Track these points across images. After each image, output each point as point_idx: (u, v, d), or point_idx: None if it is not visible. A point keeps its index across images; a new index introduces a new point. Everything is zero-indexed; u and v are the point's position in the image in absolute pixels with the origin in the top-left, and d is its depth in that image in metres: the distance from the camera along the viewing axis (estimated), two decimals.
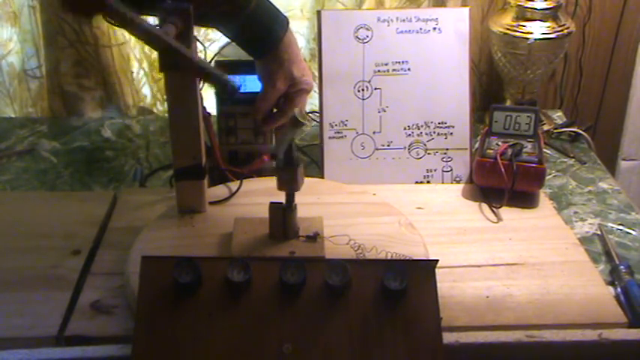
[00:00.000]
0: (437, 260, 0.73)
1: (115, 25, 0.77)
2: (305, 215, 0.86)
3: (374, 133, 1.07)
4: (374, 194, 1.00)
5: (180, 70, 0.79)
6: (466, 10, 1.07)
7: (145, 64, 1.32)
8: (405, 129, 1.07)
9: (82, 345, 0.74)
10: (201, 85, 0.88)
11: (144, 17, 0.71)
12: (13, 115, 1.32)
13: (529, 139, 1.03)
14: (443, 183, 1.07)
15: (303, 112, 1.01)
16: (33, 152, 1.18)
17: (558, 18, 1.20)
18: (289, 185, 0.80)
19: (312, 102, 1.17)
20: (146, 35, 0.72)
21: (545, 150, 1.16)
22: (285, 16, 0.94)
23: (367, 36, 1.06)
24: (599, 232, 0.98)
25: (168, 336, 0.69)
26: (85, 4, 0.72)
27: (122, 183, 1.10)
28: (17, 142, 1.21)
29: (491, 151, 1.01)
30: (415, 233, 0.90)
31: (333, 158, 1.05)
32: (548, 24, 1.19)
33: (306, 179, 0.83)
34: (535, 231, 0.95)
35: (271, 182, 0.81)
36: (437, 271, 0.72)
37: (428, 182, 1.07)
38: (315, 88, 1.04)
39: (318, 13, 1.06)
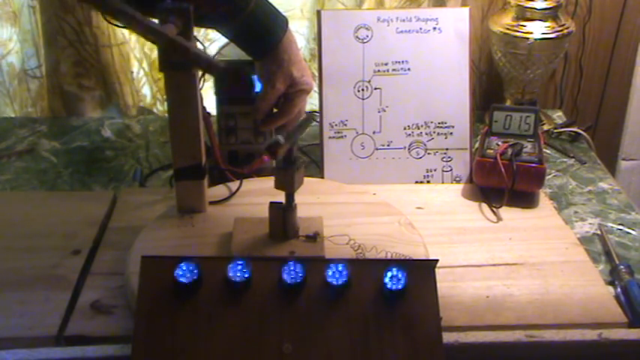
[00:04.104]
0: (437, 260, 0.73)
1: (115, 24, 0.77)
2: (305, 215, 0.86)
3: (374, 133, 1.06)
4: (374, 194, 1.00)
5: (181, 65, 0.79)
6: (466, 10, 1.07)
7: (145, 64, 1.32)
8: (405, 129, 1.07)
9: (82, 345, 0.74)
10: (201, 85, 0.88)
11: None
12: (13, 115, 1.32)
13: (529, 139, 1.03)
14: (443, 183, 1.07)
15: (303, 112, 1.02)
16: (33, 152, 1.18)
17: (558, 18, 1.20)
18: (287, 185, 0.80)
19: (312, 102, 1.16)
20: (146, 29, 0.72)
21: (545, 150, 1.16)
22: (284, 17, 0.94)
23: (367, 36, 1.06)
24: (599, 232, 0.98)
25: (168, 336, 0.69)
26: None
27: (122, 183, 1.09)
28: (17, 142, 1.21)
29: (491, 151, 1.01)
30: (415, 233, 0.90)
31: (333, 158, 1.05)
32: (548, 24, 1.19)
33: (306, 179, 0.83)
34: (535, 231, 0.95)
35: (271, 182, 0.81)
36: (437, 271, 0.72)
37: (428, 182, 1.07)
38: (315, 88, 1.03)
39: (318, 13, 1.06)
